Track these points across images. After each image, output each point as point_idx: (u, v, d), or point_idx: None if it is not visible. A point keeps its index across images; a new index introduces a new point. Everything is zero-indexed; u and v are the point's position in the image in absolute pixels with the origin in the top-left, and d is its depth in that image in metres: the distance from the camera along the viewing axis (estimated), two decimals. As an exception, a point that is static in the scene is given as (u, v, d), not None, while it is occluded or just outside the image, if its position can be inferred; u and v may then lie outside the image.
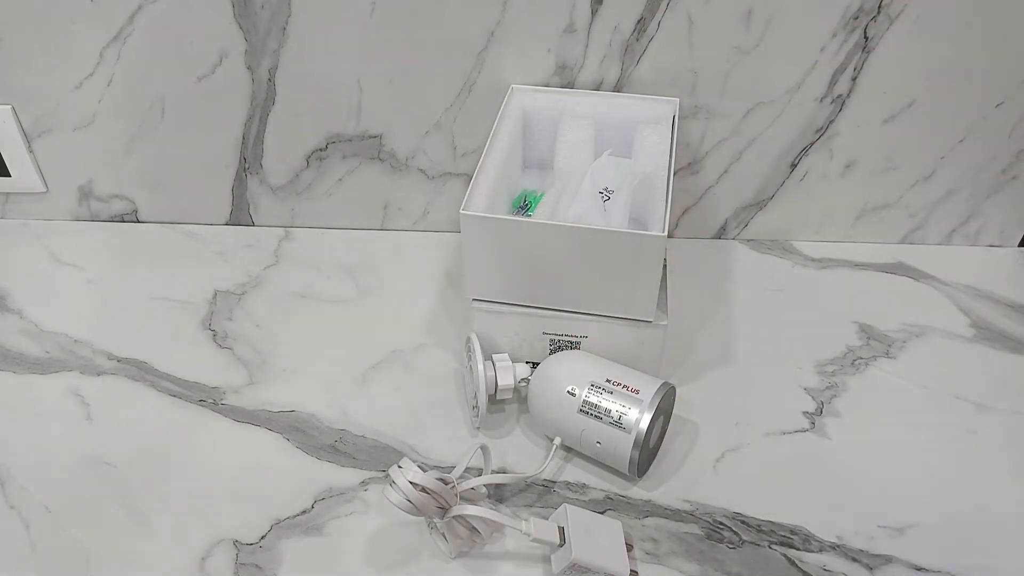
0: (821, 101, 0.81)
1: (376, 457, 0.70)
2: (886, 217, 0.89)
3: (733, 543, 0.64)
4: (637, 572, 0.61)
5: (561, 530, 0.60)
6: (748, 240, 0.92)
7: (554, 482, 0.67)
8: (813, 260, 0.90)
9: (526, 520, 0.60)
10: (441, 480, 0.59)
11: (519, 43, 0.78)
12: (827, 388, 0.75)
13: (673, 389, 0.67)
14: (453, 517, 0.60)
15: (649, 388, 0.65)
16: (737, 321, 0.82)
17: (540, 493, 0.67)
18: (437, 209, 0.91)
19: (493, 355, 0.71)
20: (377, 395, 0.75)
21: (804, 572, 0.62)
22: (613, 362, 0.69)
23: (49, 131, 0.86)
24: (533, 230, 0.66)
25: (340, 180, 0.89)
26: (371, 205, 0.91)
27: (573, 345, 0.72)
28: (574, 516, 0.61)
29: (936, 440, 0.71)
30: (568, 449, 0.69)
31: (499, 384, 0.69)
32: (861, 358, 0.78)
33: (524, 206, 0.76)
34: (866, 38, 0.77)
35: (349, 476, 0.68)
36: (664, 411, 0.67)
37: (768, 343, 0.80)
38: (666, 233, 0.64)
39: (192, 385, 0.76)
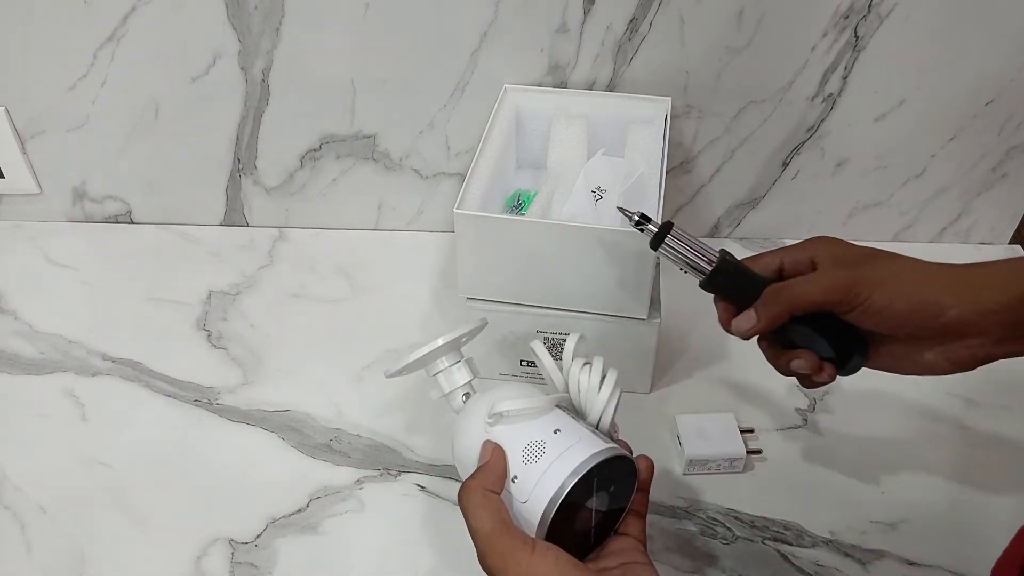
0: (812, 100, 0.81)
1: (371, 456, 0.70)
2: (877, 215, 0.90)
3: (727, 539, 0.64)
4: (760, 451, 0.69)
5: (678, 437, 0.69)
6: (741, 238, 0.92)
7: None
8: (805, 258, 0.90)
9: None
10: None
11: (512, 43, 0.79)
12: (819, 385, 0.76)
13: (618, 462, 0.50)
14: None
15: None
16: (730, 319, 0.82)
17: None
18: (431, 209, 0.91)
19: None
20: (371, 394, 0.75)
21: (797, 568, 0.62)
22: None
23: (43, 132, 0.86)
24: (527, 229, 0.66)
25: (334, 180, 0.89)
26: (365, 205, 0.91)
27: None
28: (685, 422, 0.69)
29: (927, 436, 0.72)
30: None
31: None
32: (853, 355, 0.79)
33: (518, 205, 0.76)
34: (857, 37, 0.77)
35: (344, 475, 0.68)
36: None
37: (761, 341, 0.80)
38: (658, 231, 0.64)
39: (187, 385, 0.76)
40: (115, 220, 0.93)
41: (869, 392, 0.76)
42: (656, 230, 0.57)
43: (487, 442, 0.51)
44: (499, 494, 0.49)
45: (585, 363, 0.54)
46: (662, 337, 0.72)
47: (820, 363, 0.55)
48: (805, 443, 0.71)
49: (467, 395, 0.57)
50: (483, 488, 0.48)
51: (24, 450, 0.70)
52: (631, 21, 0.77)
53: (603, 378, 0.53)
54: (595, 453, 0.49)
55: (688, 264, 0.57)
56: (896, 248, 0.90)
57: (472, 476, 0.50)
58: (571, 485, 0.47)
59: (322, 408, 0.74)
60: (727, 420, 0.70)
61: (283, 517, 0.65)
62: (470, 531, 0.47)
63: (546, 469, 0.49)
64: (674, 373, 0.76)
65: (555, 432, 0.50)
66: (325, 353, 0.79)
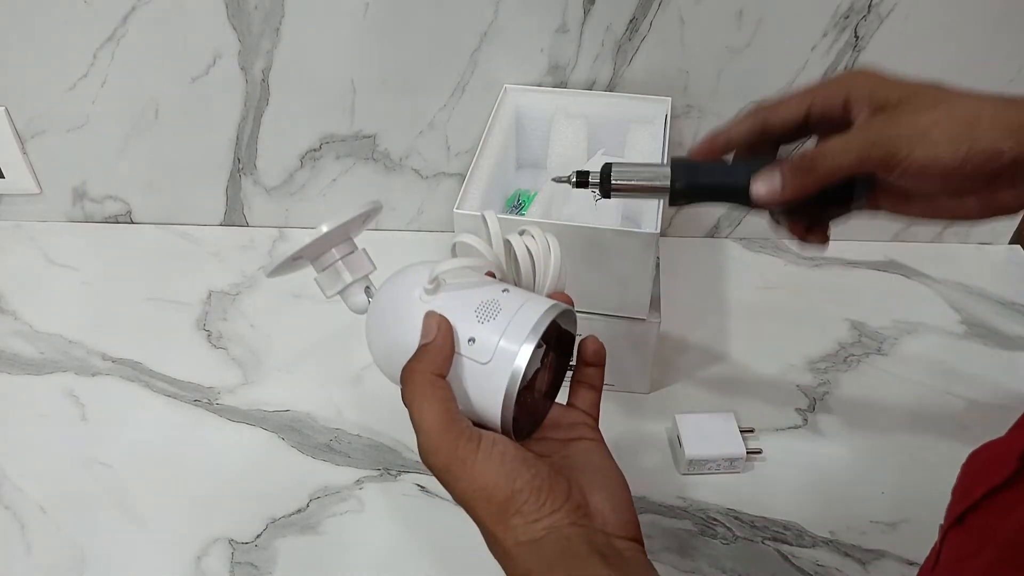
0: (812, 100, 0.81)
1: (371, 456, 0.70)
2: (877, 215, 0.89)
3: (727, 539, 0.64)
4: (760, 451, 0.69)
5: (678, 437, 0.69)
6: (741, 238, 0.92)
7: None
8: (805, 258, 0.90)
9: None
10: None
11: (512, 43, 0.79)
12: (820, 385, 0.76)
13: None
14: None
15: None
16: (730, 319, 0.83)
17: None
18: (431, 209, 0.91)
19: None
20: (371, 394, 0.75)
21: (797, 568, 0.62)
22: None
23: (43, 132, 0.86)
24: (526, 229, 0.66)
25: (334, 180, 0.89)
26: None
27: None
28: (685, 422, 0.69)
29: (928, 436, 0.72)
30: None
31: None
32: (853, 355, 0.79)
33: (518, 205, 0.76)
34: (856, 37, 0.77)
35: (344, 475, 0.68)
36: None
37: (761, 341, 0.80)
38: (658, 231, 0.64)
39: (187, 385, 0.76)
40: (115, 220, 0.93)
41: (869, 392, 0.76)
42: (599, 180, 0.52)
43: (430, 313, 0.46)
44: (445, 377, 0.44)
45: (522, 231, 0.50)
46: (662, 337, 0.72)
47: (804, 231, 0.52)
48: (805, 443, 0.71)
49: (368, 288, 0.52)
50: (429, 373, 0.44)
51: (24, 450, 0.70)
52: (631, 21, 0.77)
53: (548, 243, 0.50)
54: (551, 307, 0.46)
55: (646, 190, 0.52)
56: (896, 248, 0.91)
57: (415, 359, 0.44)
58: (542, 331, 0.44)
59: (322, 408, 0.74)
60: (727, 420, 0.70)
61: (283, 517, 0.65)
62: (413, 423, 0.43)
63: (508, 322, 0.45)
64: (674, 373, 0.76)
65: (504, 291, 0.47)
66: (325, 353, 0.79)
